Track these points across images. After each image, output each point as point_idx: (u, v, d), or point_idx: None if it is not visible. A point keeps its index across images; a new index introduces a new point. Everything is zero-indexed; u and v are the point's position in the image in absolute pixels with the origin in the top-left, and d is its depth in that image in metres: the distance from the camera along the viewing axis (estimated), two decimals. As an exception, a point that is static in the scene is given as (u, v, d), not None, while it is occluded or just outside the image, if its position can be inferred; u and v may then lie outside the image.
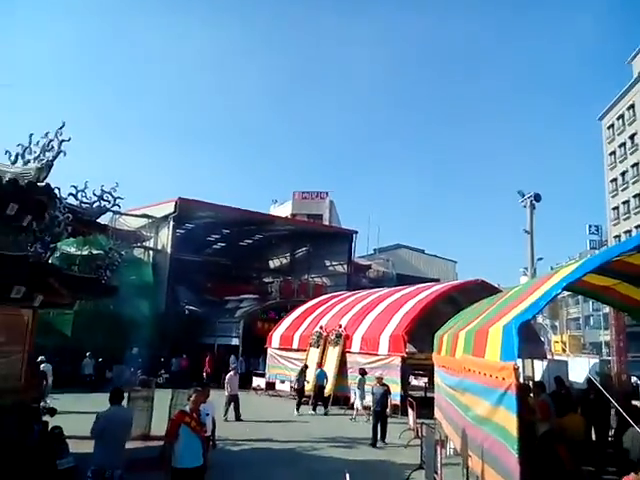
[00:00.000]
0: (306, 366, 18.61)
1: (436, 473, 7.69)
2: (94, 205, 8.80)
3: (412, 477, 8.77)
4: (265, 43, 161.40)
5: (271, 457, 10.60)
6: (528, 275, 21.43)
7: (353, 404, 16.42)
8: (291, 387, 19.54)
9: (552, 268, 20.89)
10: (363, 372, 16.27)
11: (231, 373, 15.84)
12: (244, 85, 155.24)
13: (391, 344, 17.25)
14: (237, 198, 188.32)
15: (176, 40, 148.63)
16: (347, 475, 4.51)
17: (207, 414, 8.10)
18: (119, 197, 8.96)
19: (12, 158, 7.60)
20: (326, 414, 16.91)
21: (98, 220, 9.34)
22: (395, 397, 16.05)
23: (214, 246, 41.57)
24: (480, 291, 18.00)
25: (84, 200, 8.71)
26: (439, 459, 7.70)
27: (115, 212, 22.52)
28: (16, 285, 7.06)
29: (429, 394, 16.76)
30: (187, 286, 31.10)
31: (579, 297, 52.85)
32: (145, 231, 30.28)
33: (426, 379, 18.99)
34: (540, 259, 22.81)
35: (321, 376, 18.13)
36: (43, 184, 7.24)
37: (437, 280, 35.61)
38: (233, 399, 14.91)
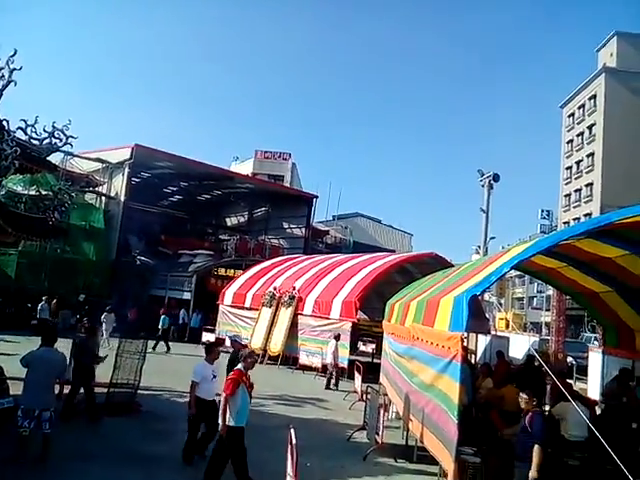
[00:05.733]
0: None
1: (377, 434, 7.94)
2: (44, 142, 8.31)
3: (354, 437, 9.04)
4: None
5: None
6: (480, 253, 22.07)
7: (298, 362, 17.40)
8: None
9: (503, 248, 21.51)
10: (337, 337, 15.93)
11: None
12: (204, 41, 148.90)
13: (343, 309, 17.50)
14: (198, 153, 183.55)
15: None
16: (292, 430, 4.53)
17: (215, 376, 7.15)
18: (71, 136, 8.53)
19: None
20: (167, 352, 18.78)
21: (48, 158, 8.83)
22: (343, 361, 16.43)
23: (170, 198, 40.56)
24: (434, 264, 18.42)
25: (34, 136, 8.22)
26: (381, 421, 7.95)
27: (66, 152, 21.46)
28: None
29: (376, 360, 17.19)
30: (140, 236, 30.31)
31: (525, 278, 55.17)
32: (98, 176, 29.06)
33: (374, 345, 19.44)
34: (492, 238, 23.48)
35: (164, 321, 20.03)
36: (-11, 113, 6.74)
37: (393, 251, 36.25)
38: None
